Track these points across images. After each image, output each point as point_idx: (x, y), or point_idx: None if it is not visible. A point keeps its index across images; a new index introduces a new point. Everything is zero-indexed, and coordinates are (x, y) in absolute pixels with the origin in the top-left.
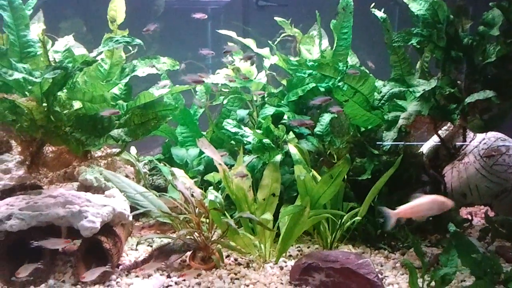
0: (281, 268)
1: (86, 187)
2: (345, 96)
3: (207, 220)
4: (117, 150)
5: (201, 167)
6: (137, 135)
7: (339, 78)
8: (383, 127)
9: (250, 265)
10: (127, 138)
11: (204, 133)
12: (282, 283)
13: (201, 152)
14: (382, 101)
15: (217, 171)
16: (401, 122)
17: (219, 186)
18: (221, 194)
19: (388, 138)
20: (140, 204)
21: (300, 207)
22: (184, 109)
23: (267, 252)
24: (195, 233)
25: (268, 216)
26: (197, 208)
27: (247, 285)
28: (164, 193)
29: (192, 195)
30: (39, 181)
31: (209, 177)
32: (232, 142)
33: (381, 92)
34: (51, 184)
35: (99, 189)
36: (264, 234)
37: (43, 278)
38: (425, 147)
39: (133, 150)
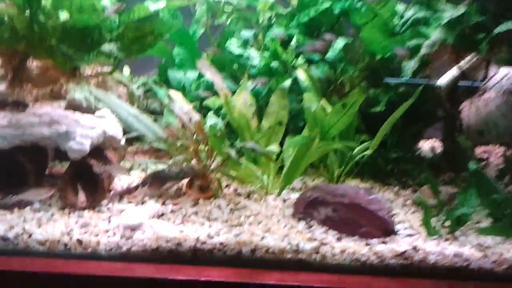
0: (284, 200)
1: (74, 108)
2: (363, 19)
3: (206, 148)
4: (109, 69)
5: (200, 91)
6: (131, 51)
7: None
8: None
9: (251, 196)
10: (120, 55)
11: (204, 55)
12: (284, 216)
13: (200, 75)
14: (404, 27)
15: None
16: (423, 51)
17: (220, 112)
18: (222, 121)
19: (408, 68)
20: (133, 128)
21: (308, 138)
22: (182, 28)
23: (270, 183)
24: (193, 160)
25: (274, 147)
26: (196, 135)
27: (248, 216)
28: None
29: (190, 121)
30: (23, 99)
31: (209, 102)
32: (235, 66)
33: (403, 17)
34: (36, 102)
35: (88, 111)
36: (267, 164)
37: (27, 200)
38: (443, 80)
39: (126, 70)
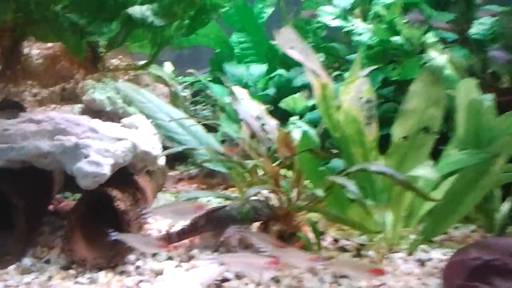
0: (422, 262)
1: (94, 113)
2: None
3: (291, 174)
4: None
5: (271, 91)
6: (174, 15)
7: None
8: None
9: (363, 252)
10: (157, 20)
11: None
12: None
13: (270, 70)
14: None
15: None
16: None
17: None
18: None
19: None
20: (177, 140)
21: (484, 155)
22: (243, 4)
23: (395, 233)
24: (271, 191)
25: (425, 171)
26: (273, 150)
27: None
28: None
29: (263, 129)
30: (20, 99)
31: (286, 103)
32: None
33: None
34: (40, 105)
35: (114, 117)
36: (398, 202)
37: (14, 254)
38: None
39: (168, 67)
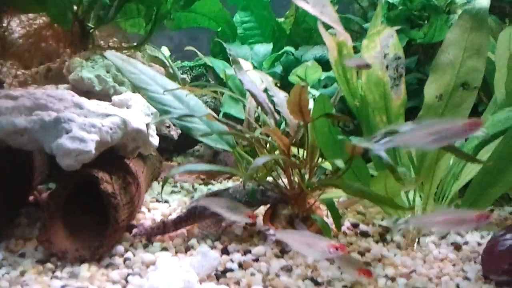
0: (457, 247)
1: (81, 93)
2: None
3: (303, 152)
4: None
5: (278, 69)
6: None
7: None
8: None
9: (388, 237)
10: None
11: (282, 19)
12: (467, 278)
13: (275, 48)
14: None
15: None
16: None
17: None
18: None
19: None
20: (173, 113)
21: None
22: None
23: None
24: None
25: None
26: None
27: (392, 279)
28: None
29: (273, 102)
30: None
31: (297, 74)
32: None
33: None
34: (22, 87)
35: (104, 98)
36: (429, 178)
37: None
38: None
39: (165, 50)
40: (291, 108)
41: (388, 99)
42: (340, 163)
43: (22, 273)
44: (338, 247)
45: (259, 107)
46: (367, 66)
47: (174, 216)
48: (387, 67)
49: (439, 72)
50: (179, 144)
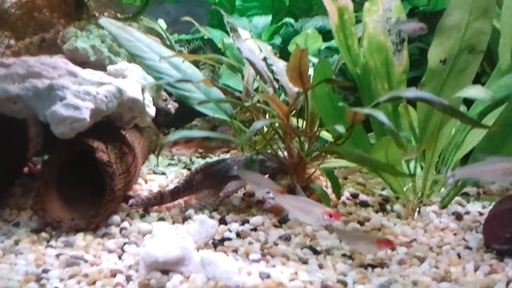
0: (458, 216)
1: (77, 64)
2: None
3: (302, 122)
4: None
5: (277, 41)
6: None
7: None
8: None
9: (388, 207)
10: None
11: None
12: (468, 247)
13: (274, 20)
14: None
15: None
16: None
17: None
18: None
19: None
20: (173, 86)
21: None
22: None
23: (427, 183)
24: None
25: (479, 91)
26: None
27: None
28: None
29: (272, 71)
30: None
31: (296, 43)
32: None
33: None
34: (15, 56)
35: (99, 69)
36: (431, 146)
37: None
38: None
39: (162, 23)
40: (290, 74)
41: (390, 66)
42: (341, 128)
43: (17, 242)
44: (332, 214)
45: (258, 76)
46: (422, 29)
47: (171, 186)
48: (389, 32)
49: (443, 36)
50: (176, 119)
